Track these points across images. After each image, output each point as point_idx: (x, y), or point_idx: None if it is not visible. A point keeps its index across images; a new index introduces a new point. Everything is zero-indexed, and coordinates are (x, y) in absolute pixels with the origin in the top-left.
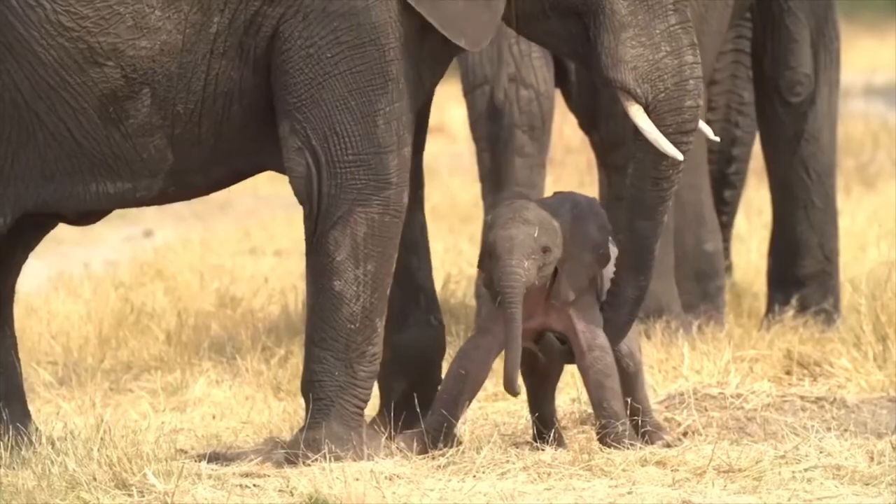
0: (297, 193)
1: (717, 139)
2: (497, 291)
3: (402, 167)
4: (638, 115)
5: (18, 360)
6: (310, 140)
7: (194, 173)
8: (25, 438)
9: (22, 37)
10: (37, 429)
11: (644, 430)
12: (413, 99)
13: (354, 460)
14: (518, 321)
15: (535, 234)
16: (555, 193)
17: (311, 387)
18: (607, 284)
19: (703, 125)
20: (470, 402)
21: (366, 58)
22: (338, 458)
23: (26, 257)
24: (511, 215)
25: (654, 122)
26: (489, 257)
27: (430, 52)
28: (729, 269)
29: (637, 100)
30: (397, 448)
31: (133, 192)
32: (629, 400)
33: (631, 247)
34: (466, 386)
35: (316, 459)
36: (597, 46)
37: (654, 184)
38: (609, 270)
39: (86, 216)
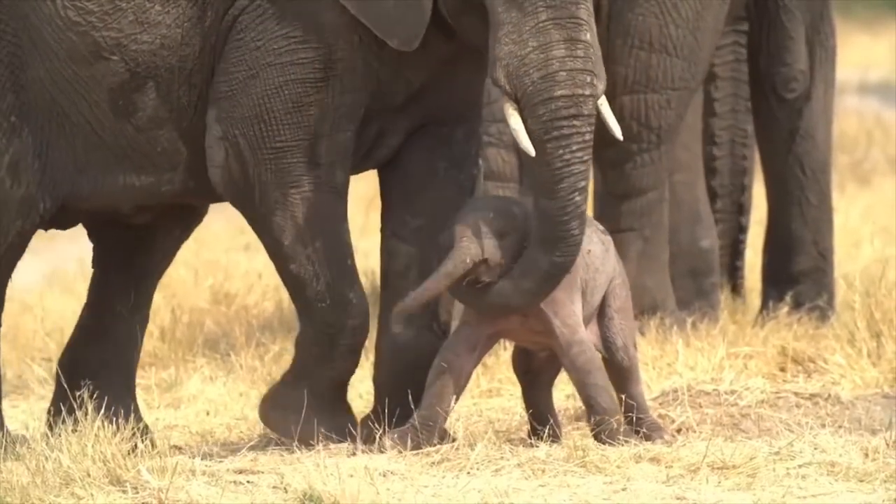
0: (214, 183)
1: (621, 138)
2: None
3: (331, 148)
4: (508, 111)
5: (141, 341)
6: (234, 128)
7: None
8: (123, 423)
9: (39, 31)
10: (141, 420)
11: (641, 428)
12: (358, 93)
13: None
14: (444, 277)
15: (491, 217)
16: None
17: (297, 343)
18: (598, 292)
19: (609, 118)
20: (458, 396)
21: (310, 53)
22: (286, 429)
23: (171, 246)
24: (468, 208)
25: (528, 115)
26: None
27: (395, 55)
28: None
29: (509, 96)
30: (389, 445)
31: (157, 186)
32: (623, 396)
33: (541, 225)
34: (451, 379)
35: (310, 455)
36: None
37: (546, 165)
38: (601, 277)
39: (140, 211)
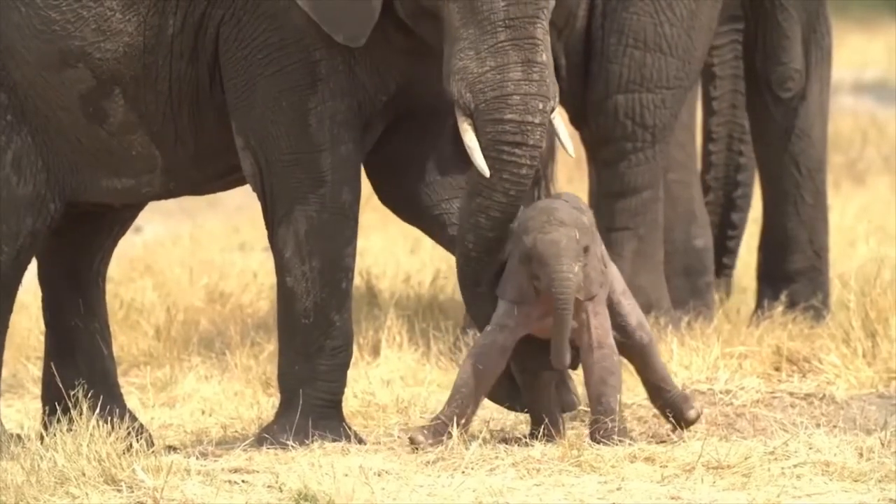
0: (253, 189)
1: (573, 154)
2: (551, 295)
3: (337, 165)
4: (464, 127)
5: (108, 345)
6: (250, 140)
7: (188, 169)
8: (118, 423)
9: (11, 39)
10: (136, 420)
11: (668, 404)
12: (350, 98)
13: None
14: (567, 324)
15: (577, 237)
16: (554, 195)
17: (279, 379)
18: (607, 286)
19: (561, 132)
20: (484, 396)
21: (292, 58)
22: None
23: (111, 244)
24: (545, 218)
25: (478, 129)
26: (533, 262)
27: (368, 52)
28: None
29: (463, 111)
30: (412, 440)
31: (138, 188)
32: (659, 380)
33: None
34: (483, 381)
35: (304, 454)
36: (444, 54)
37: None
38: (611, 269)
39: (127, 207)
